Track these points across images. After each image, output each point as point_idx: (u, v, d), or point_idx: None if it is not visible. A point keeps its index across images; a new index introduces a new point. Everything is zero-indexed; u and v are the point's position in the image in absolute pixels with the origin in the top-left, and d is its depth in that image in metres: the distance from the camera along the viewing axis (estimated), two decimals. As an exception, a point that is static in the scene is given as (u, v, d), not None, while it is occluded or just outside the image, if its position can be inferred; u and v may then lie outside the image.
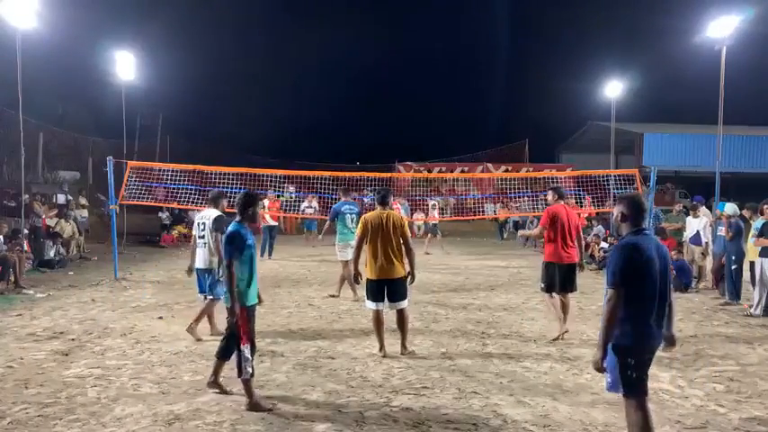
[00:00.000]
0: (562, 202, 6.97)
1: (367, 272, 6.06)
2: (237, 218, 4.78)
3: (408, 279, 6.00)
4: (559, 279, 6.72)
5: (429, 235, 17.04)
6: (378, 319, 6.03)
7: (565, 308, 6.78)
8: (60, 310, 8.13)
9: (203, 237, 6.59)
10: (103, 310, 8.18)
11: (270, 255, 14.54)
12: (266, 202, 15.48)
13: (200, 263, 6.60)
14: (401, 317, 6.04)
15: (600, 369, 3.45)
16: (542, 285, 6.88)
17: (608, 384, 3.54)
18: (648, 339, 3.43)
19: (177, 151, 27.61)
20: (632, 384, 3.40)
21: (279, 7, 46.70)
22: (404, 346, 6.07)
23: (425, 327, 7.33)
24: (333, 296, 9.20)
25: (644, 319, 3.39)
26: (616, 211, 3.63)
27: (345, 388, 5.03)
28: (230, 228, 4.75)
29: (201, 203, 14.97)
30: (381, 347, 6.03)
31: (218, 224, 6.45)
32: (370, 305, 6.05)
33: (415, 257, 6.06)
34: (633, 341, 3.39)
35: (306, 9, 49.59)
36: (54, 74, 21.40)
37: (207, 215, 6.67)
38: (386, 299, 5.98)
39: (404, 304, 6.03)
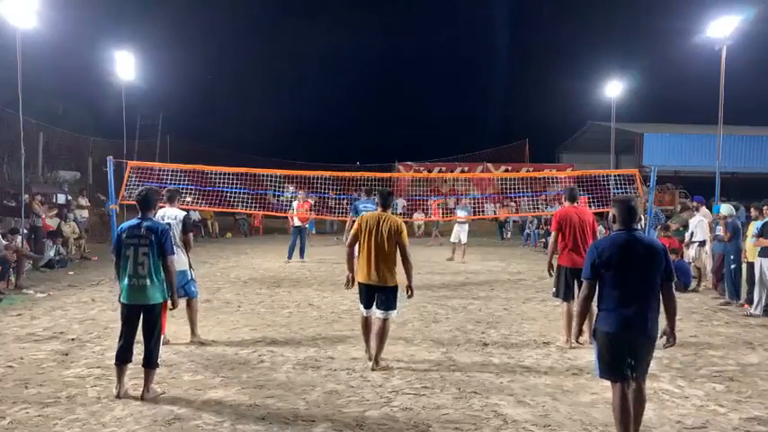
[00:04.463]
0: (572, 204, 6.74)
1: (357, 273, 5.73)
2: (140, 214, 5.13)
3: (407, 292, 5.55)
4: (577, 285, 6.25)
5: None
6: (365, 325, 5.72)
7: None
8: (60, 310, 8.13)
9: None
10: (103, 309, 8.17)
11: (301, 256, 13.76)
12: (295, 203, 14.37)
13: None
14: (381, 326, 5.52)
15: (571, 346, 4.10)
16: (553, 290, 6.64)
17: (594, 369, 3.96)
18: (618, 328, 3.72)
19: (177, 151, 27.58)
20: (602, 366, 3.81)
21: (279, 7, 46.68)
22: (376, 360, 5.54)
23: (425, 327, 7.33)
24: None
25: (613, 308, 3.75)
26: (610, 213, 4.02)
27: (345, 388, 5.03)
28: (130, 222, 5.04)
29: (202, 203, 15.03)
30: (368, 353, 5.74)
31: (187, 225, 6.42)
32: (361, 309, 5.76)
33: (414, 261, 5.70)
34: (603, 326, 3.80)
35: (306, 9, 49.59)
36: (54, 74, 21.31)
37: (170, 214, 6.29)
38: (374, 306, 5.58)
39: (389, 315, 5.54)
